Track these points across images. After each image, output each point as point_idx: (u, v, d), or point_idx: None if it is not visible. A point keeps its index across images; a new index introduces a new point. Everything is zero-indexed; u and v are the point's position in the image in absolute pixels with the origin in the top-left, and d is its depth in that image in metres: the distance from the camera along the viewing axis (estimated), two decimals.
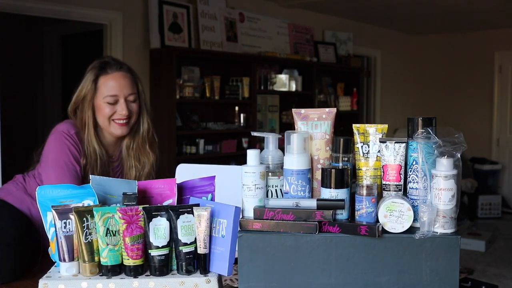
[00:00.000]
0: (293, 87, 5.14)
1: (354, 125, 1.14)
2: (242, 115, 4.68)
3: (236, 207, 1.14)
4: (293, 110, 1.17)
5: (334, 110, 1.16)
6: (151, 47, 4.12)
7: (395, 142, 1.07)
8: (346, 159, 1.13)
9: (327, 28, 5.92)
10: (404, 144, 1.07)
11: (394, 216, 1.02)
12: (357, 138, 1.13)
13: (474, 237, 4.88)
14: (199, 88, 4.31)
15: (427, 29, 6.89)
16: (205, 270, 1.16)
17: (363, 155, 1.13)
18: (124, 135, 1.80)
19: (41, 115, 5.15)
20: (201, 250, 1.15)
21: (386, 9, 5.61)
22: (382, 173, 1.09)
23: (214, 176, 1.35)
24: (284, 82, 5.06)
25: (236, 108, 4.69)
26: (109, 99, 1.73)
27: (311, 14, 5.69)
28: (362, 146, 1.13)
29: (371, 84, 6.80)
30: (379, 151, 1.10)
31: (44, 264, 1.33)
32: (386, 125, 1.12)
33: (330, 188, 1.07)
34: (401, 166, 1.07)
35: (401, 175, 1.07)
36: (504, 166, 6.70)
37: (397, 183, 1.08)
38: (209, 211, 1.15)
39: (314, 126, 1.15)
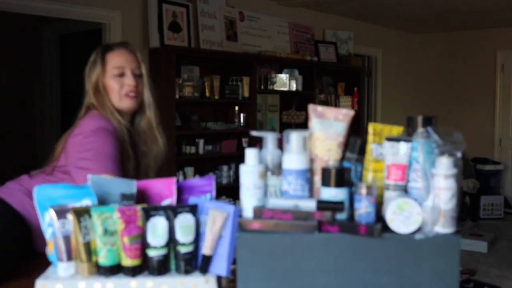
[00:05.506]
0: (294, 87, 5.13)
1: (370, 124, 1.12)
2: (242, 115, 4.66)
3: (235, 206, 1.13)
4: (310, 106, 1.14)
5: (351, 112, 1.12)
6: (150, 46, 4.11)
7: (401, 141, 1.06)
8: (358, 160, 1.12)
9: (327, 27, 5.91)
10: (410, 143, 1.05)
11: (403, 216, 1.01)
12: (371, 138, 1.11)
13: (476, 238, 4.84)
14: (198, 88, 4.30)
15: (429, 28, 6.88)
16: (203, 270, 1.15)
17: (374, 155, 1.11)
18: (136, 107, 1.78)
19: (40, 113, 5.14)
20: (207, 251, 1.14)
21: (387, 8, 5.60)
22: (386, 172, 1.08)
23: (213, 176, 1.34)
24: (285, 81, 5.04)
25: (236, 108, 4.68)
26: (116, 71, 1.73)
27: (311, 13, 5.68)
28: (375, 148, 1.11)
29: (372, 83, 6.79)
30: (383, 150, 1.09)
31: (41, 264, 1.32)
32: (402, 127, 1.10)
33: (330, 187, 1.06)
34: (406, 166, 1.06)
35: (405, 175, 1.06)
36: (506, 167, 6.66)
37: (402, 183, 1.06)
38: (225, 215, 1.12)
39: (328, 125, 1.13)
